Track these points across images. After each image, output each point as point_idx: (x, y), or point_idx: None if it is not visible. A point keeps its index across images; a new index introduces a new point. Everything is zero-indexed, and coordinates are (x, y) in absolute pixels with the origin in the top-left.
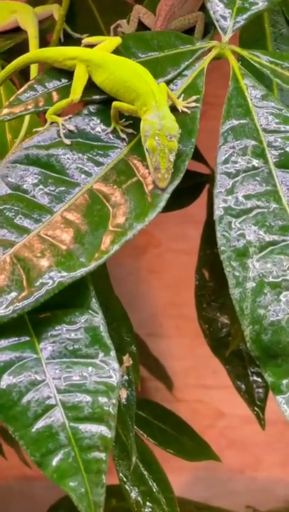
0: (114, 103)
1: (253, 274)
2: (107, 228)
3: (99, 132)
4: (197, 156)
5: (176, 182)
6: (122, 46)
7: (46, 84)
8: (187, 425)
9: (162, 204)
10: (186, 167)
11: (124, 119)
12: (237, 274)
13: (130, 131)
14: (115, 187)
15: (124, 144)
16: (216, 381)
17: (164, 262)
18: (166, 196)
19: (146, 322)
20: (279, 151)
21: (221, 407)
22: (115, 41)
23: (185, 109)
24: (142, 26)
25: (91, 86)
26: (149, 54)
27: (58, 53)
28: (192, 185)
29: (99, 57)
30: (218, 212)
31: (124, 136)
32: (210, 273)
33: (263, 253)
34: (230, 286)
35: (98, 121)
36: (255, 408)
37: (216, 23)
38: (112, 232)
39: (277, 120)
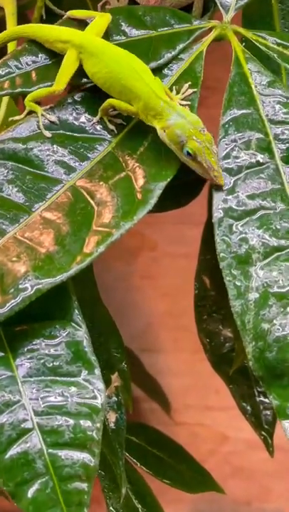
0: (110, 100)
1: (257, 283)
2: (91, 228)
3: (84, 123)
4: None
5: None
6: (111, 22)
7: (24, 60)
8: (186, 452)
9: (153, 201)
10: None
11: (111, 109)
12: (238, 283)
13: (119, 121)
14: (101, 183)
15: (112, 135)
16: (218, 402)
17: (159, 266)
18: (157, 192)
19: (139, 335)
20: (287, 144)
21: (224, 430)
22: (105, 18)
23: (183, 102)
24: (133, 4)
25: (79, 70)
26: (141, 32)
27: (49, 33)
28: (191, 180)
29: (94, 44)
30: (217, 213)
31: (112, 127)
32: (211, 280)
33: (267, 260)
34: (230, 298)
35: (83, 111)
36: (263, 432)
37: (217, 0)
38: (97, 232)
39: (285, 110)
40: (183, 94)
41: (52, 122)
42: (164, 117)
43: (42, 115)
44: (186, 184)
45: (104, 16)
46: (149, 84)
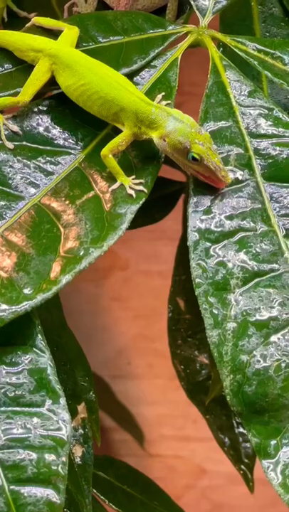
0: (102, 152)
1: (235, 311)
2: (57, 253)
3: (48, 134)
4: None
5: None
6: (80, 29)
7: None
8: (159, 488)
9: (124, 226)
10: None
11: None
12: (215, 312)
13: (141, 188)
14: (67, 202)
15: (79, 148)
16: (196, 432)
17: (131, 287)
18: (129, 217)
19: (110, 361)
20: (268, 160)
21: (202, 463)
22: (74, 31)
23: (131, 192)
24: (102, 5)
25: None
26: (112, 38)
27: (22, 41)
28: (165, 195)
29: (69, 55)
30: (192, 236)
31: (131, 192)
32: (186, 303)
33: (247, 286)
34: (206, 327)
35: (48, 121)
36: (242, 467)
37: (192, 3)
38: (64, 258)
39: (266, 122)
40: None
41: (14, 133)
42: (160, 125)
43: (4, 124)
44: (160, 198)
45: (72, 28)
46: (134, 92)
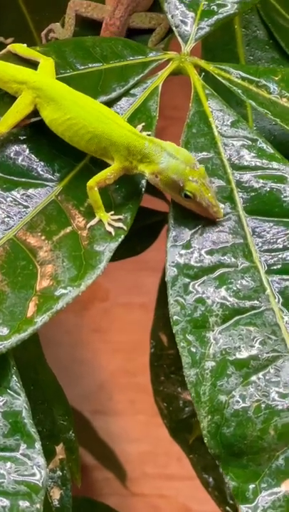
0: (88, 184)
1: (214, 350)
2: (33, 292)
3: (24, 165)
4: (153, 188)
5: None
6: (57, 55)
7: None
8: None
9: (103, 265)
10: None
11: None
12: (193, 350)
13: (120, 225)
14: (43, 238)
15: (56, 180)
16: (180, 470)
17: (112, 319)
18: (107, 255)
19: (90, 395)
20: (251, 193)
21: (187, 502)
22: (50, 62)
23: (110, 229)
24: (80, 29)
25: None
26: (90, 65)
27: (4, 71)
28: (146, 225)
29: (53, 88)
30: (170, 271)
31: (110, 229)
32: (169, 338)
33: (226, 324)
34: (184, 366)
35: (24, 151)
36: (227, 508)
37: (174, 29)
38: (40, 297)
39: (249, 153)
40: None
41: None
42: (153, 160)
43: None
44: (142, 229)
45: (48, 60)
46: (124, 126)
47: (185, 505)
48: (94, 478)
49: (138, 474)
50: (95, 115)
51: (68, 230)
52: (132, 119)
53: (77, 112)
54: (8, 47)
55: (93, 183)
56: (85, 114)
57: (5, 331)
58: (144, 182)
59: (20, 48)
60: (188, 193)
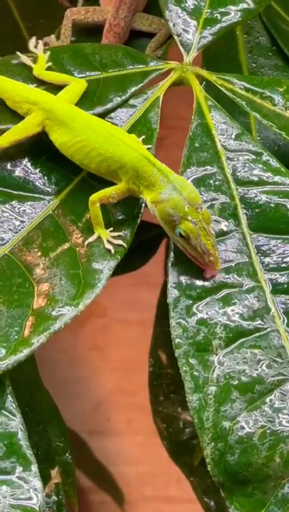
0: (91, 198)
1: (217, 374)
2: (30, 311)
3: (20, 177)
4: None
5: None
6: (54, 62)
7: None
8: None
9: (102, 284)
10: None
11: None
12: (196, 374)
13: (120, 242)
14: (40, 254)
15: (53, 193)
16: (180, 492)
17: (110, 336)
18: (106, 274)
19: (87, 416)
20: (256, 209)
21: None
22: (80, 86)
23: (109, 247)
24: (77, 39)
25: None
26: (88, 74)
27: (16, 91)
28: (145, 240)
29: (64, 111)
30: (172, 293)
31: (110, 247)
32: (168, 356)
33: (231, 347)
34: (186, 391)
35: (21, 164)
36: None
37: (176, 38)
38: (38, 317)
39: (254, 168)
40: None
41: None
42: (156, 189)
43: None
44: (140, 244)
45: (80, 82)
46: (138, 149)
47: None
48: (90, 500)
49: (136, 497)
50: (105, 137)
51: (66, 246)
52: (132, 131)
53: (87, 135)
54: (34, 72)
55: (96, 198)
56: (96, 136)
57: (1, 351)
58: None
59: (48, 75)
60: (182, 233)
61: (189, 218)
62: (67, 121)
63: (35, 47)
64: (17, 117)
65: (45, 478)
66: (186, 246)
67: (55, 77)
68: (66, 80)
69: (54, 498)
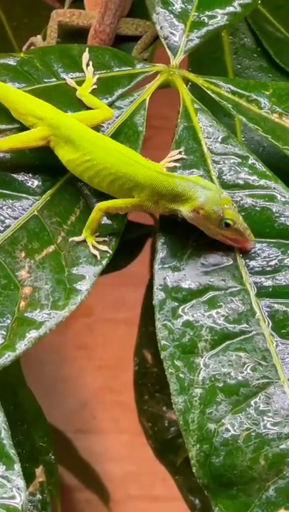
0: (100, 205)
1: (203, 376)
2: (15, 315)
3: (6, 176)
4: None
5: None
6: (41, 63)
7: None
8: None
9: (87, 290)
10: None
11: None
12: (182, 376)
13: (105, 248)
14: (24, 255)
15: (38, 193)
16: (165, 491)
17: (96, 335)
18: (92, 279)
19: (74, 414)
20: (241, 212)
21: None
22: (105, 115)
23: (95, 252)
24: (63, 40)
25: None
26: (74, 75)
27: (23, 103)
28: (131, 239)
29: (71, 129)
30: (158, 295)
31: (96, 253)
32: (153, 355)
33: (216, 349)
34: (172, 393)
35: (7, 162)
36: None
37: (163, 41)
38: (23, 321)
39: (240, 171)
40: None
41: None
42: (190, 197)
43: None
44: (125, 244)
45: (108, 112)
46: (150, 166)
47: None
48: (77, 499)
49: (121, 495)
50: (116, 156)
51: (51, 249)
52: (118, 134)
53: (96, 153)
54: (77, 93)
55: (104, 206)
56: (106, 155)
57: None
58: None
59: (87, 97)
60: (229, 221)
61: (226, 207)
62: (74, 139)
63: (87, 67)
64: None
65: (29, 477)
66: (229, 233)
67: (92, 101)
68: (99, 106)
69: (39, 496)
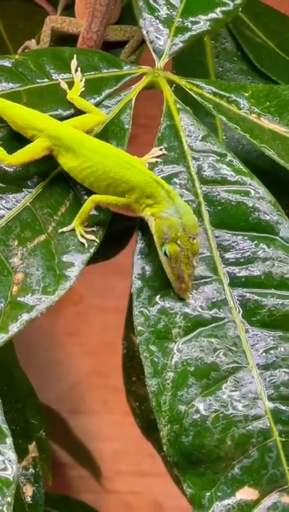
0: (93, 197)
1: (176, 361)
2: (7, 299)
3: (1, 168)
4: None
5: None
6: (35, 64)
7: None
8: None
9: (75, 275)
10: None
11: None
12: (156, 360)
13: (92, 238)
14: (16, 243)
15: (31, 186)
16: (153, 467)
17: (85, 322)
18: (80, 267)
19: (65, 396)
20: (218, 207)
21: (160, 498)
22: (98, 119)
23: (83, 241)
24: (56, 44)
25: None
26: (65, 76)
27: (21, 116)
28: (119, 231)
29: (71, 137)
30: (136, 283)
31: (83, 241)
32: None
33: (189, 335)
34: (146, 376)
35: None
36: None
37: (149, 44)
38: (15, 305)
39: (218, 168)
40: (150, 155)
41: None
42: (160, 207)
43: None
44: (113, 235)
45: (99, 116)
46: (146, 172)
47: (157, 501)
48: (71, 475)
49: (112, 472)
50: (115, 161)
51: (42, 238)
52: (106, 132)
53: (96, 160)
54: (68, 96)
55: (97, 199)
56: (105, 160)
57: None
58: None
59: (78, 100)
60: (168, 252)
61: (178, 242)
62: (74, 148)
63: (76, 72)
64: None
65: (23, 452)
66: (167, 266)
67: (82, 104)
68: (90, 109)
69: (31, 470)
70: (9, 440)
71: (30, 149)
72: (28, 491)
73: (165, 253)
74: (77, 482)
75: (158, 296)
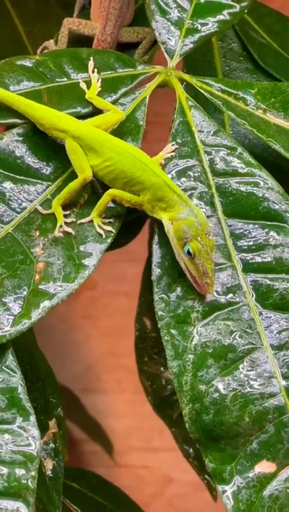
0: (111, 191)
1: (195, 343)
2: (30, 287)
3: (24, 163)
4: None
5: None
6: (54, 64)
7: None
8: (128, 497)
9: (93, 265)
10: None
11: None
12: (176, 343)
13: (109, 228)
14: (38, 234)
15: (52, 179)
16: (162, 443)
17: (100, 306)
18: (98, 256)
19: (81, 375)
20: (230, 197)
21: (169, 472)
22: (117, 117)
23: (100, 231)
24: (73, 45)
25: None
26: (83, 75)
27: (46, 118)
28: (131, 220)
29: (92, 137)
30: (156, 271)
31: (101, 231)
32: (152, 322)
33: (207, 320)
34: (168, 358)
35: (24, 150)
36: (206, 476)
37: (161, 45)
38: (38, 293)
39: (229, 161)
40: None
41: None
42: (175, 210)
43: None
44: (126, 224)
45: (117, 114)
46: (160, 175)
47: (167, 474)
48: (84, 451)
49: (124, 447)
50: (133, 161)
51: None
52: (121, 128)
53: (115, 159)
54: (87, 95)
55: (114, 193)
56: (124, 160)
57: (5, 323)
58: None
59: (96, 100)
60: (191, 250)
61: (199, 239)
62: (96, 147)
63: (93, 72)
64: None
65: (44, 429)
66: (190, 264)
67: (101, 102)
68: (109, 107)
69: (52, 445)
70: (33, 418)
71: (76, 156)
72: (49, 464)
73: (188, 252)
74: (91, 457)
75: (177, 283)
